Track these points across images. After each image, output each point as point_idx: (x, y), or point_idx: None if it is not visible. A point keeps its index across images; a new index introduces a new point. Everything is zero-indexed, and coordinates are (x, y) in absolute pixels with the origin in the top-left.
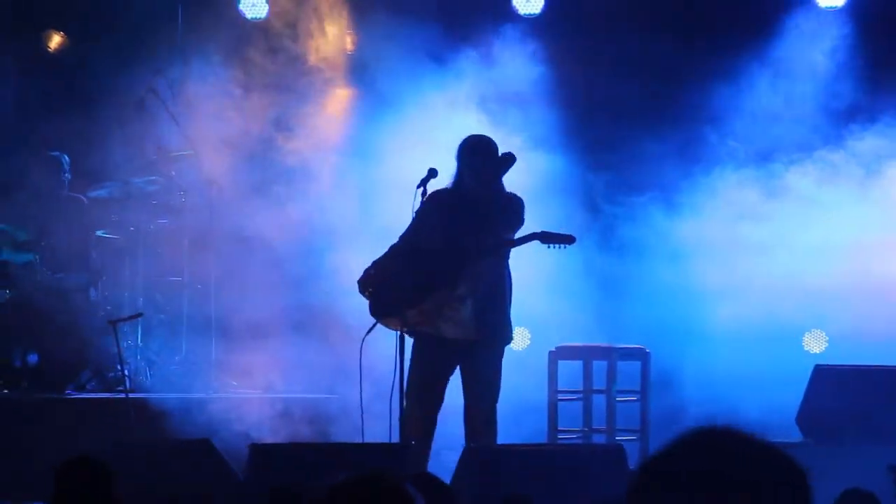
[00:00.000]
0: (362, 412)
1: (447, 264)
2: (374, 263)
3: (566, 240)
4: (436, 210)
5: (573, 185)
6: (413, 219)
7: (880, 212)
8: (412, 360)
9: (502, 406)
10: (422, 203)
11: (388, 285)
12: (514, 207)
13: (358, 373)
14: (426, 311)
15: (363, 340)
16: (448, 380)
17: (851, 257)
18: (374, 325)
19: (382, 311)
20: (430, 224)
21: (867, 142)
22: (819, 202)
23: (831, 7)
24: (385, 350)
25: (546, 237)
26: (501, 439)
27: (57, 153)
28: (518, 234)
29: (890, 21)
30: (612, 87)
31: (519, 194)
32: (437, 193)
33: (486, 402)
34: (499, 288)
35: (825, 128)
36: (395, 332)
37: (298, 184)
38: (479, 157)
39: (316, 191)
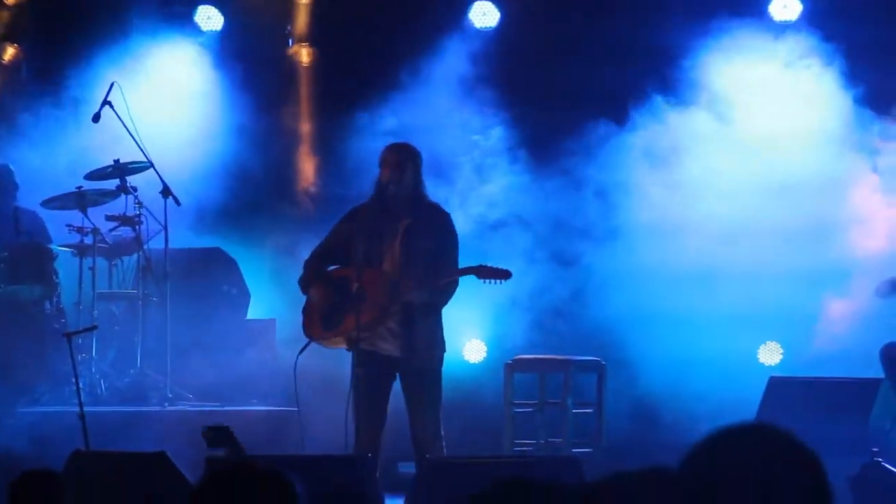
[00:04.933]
0: (301, 428)
1: (380, 285)
2: (301, 280)
3: (502, 275)
4: (359, 226)
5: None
6: (329, 234)
7: None
8: (353, 376)
9: (459, 418)
10: (341, 220)
11: (318, 305)
12: (446, 227)
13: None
14: (361, 328)
15: (297, 359)
16: (389, 395)
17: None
18: (308, 344)
19: (316, 330)
20: (355, 240)
21: None
22: None
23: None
24: (333, 363)
25: (482, 272)
26: (457, 450)
27: (3, 162)
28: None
29: None
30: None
31: (442, 205)
32: (358, 209)
33: (431, 417)
34: (431, 303)
35: None
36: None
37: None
38: (401, 157)
39: (277, 203)
